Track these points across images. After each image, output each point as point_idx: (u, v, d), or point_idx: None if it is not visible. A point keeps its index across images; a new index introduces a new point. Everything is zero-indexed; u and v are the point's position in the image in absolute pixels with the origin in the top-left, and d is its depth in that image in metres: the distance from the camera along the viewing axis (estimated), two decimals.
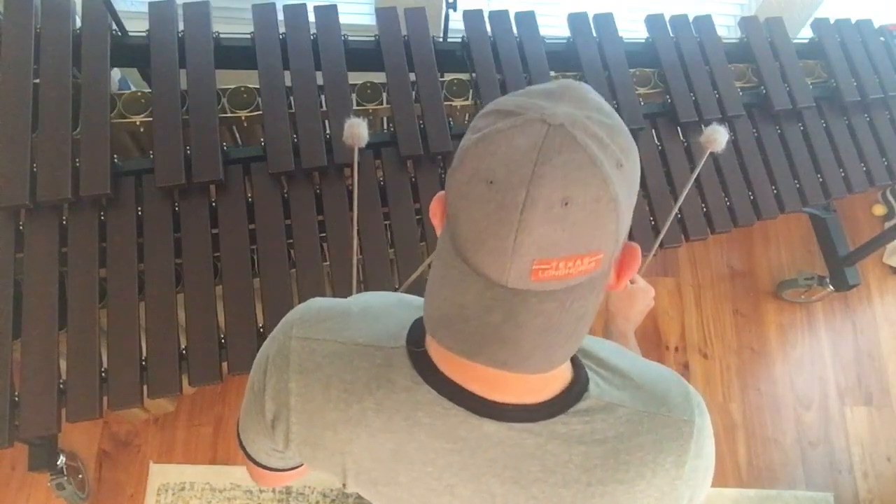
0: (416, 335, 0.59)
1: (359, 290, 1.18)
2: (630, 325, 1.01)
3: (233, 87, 1.30)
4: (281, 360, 0.62)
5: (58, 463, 1.32)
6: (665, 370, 0.67)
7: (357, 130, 0.95)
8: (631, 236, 1.31)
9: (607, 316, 1.03)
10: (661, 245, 1.33)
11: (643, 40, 1.50)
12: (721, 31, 1.53)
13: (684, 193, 1.10)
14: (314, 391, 0.60)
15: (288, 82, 1.27)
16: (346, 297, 0.69)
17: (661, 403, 0.60)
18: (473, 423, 0.56)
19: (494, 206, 0.45)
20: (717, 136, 0.98)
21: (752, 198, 1.41)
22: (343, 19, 1.34)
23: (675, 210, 1.12)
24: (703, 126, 1.41)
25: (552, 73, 1.39)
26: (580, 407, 0.57)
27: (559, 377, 0.57)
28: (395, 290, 1.13)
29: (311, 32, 1.32)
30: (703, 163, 1.05)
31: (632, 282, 1.04)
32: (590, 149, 0.45)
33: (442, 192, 0.54)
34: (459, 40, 1.40)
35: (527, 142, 0.45)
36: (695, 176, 1.09)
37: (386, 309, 0.65)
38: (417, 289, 1.17)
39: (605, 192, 0.45)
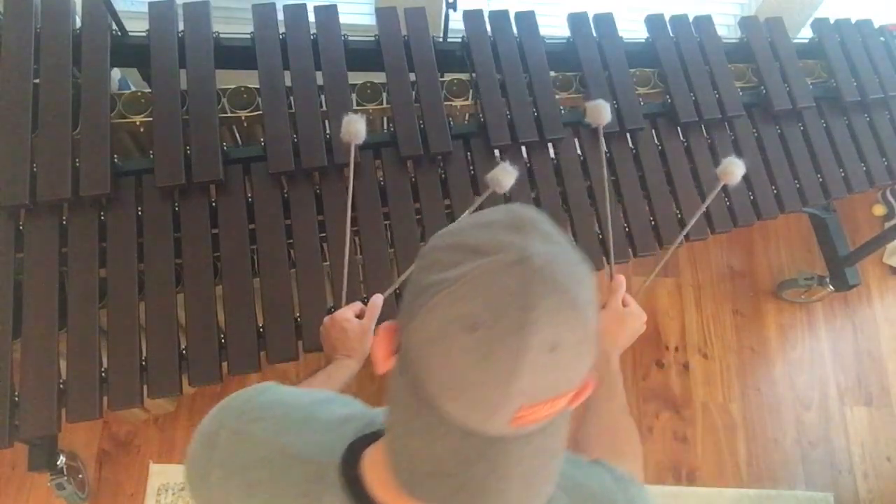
0: (353, 455, 0.55)
1: (358, 290, 1.18)
2: (616, 348, 0.99)
3: (233, 87, 1.30)
4: (209, 447, 0.60)
5: (58, 463, 1.32)
6: (604, 476, 0.65)
7: (354, 127, 0.94)
8: (631, 237, 1.32)
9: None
10: (660, 245, 1.33)
11: (643, 40, 1.49)
12: (721, 31, 1.53)
13: (692, 222, 1.11)
14: (235, 491, 0.58)
15: (288, 82, 1.27)
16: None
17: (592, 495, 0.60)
18: None
19: (481, 356, 0.42)
20: (734, 170, 0.99)
21: (752, 198, 1.41)
22: (343, 19, 1.34)
23: (681, 237, 1.13)
24: (702, 126, 1.43)
25: (552, 73, 1.39)
26: None
27: None
28: (396, 291, 1.13)
29: (311, 32, 1.32)
30: (714, 193, 1.06)
31: (625, 304, 1.02)
32: (571, 289, 0.44)
33: (389, 325, 0.50)
34: (459, 40, 1.40)
35: (511, 284, 0.43)
36: (705, 206, 1.10)
37: (330, 419, 0.60)
38: None
39: (587, 333, 0.45)
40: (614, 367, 0.96)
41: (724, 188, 1.38)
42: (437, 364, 0.44)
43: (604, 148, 1.08)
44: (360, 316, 1.01)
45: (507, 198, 1.20)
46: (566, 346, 0.44)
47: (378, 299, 1.03)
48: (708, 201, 1.09)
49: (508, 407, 0.44)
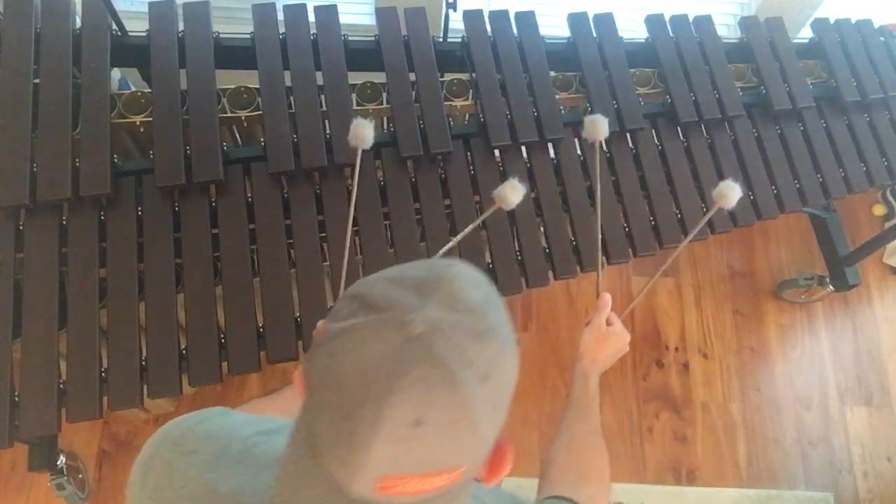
0: None
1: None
2: (596, 368, 0.96)
3: (233, 87, 1.30)
4: (143, 474, 0.59)
5: (58, 463, 1.32)
6: None
7: (362, 132, 0.94)
8: (631, 237, 1.31)
9: (576, 354, 0.99)
10: (660, 245, 1.33)
11: (643, 40, 1.49)
12: (721, 31, 1.53)
13: (690, 237, 1.10)
14: None
15: (288, 82, 1.27)
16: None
17: None
18: None
19: (340, 417, 0.42)
20: (730, 194, 0.98)
21: (752, 198, 1.41)
22: (343, 19, 1.34)
23: (688, 240, 1.12)
24: (702, 126, 1.42)
25: (552, 73, 1.39)
26: None
27: None
28: None
29: (311, 32, 1.32)
30: (710, 214, 1.05)
31: (609, 323, 0.99)
32: (449, 365, 0.41)
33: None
34: (459, 40, 1.40)
35: (382, 349, 0.42)
36: (702, 224, 1.09)
37: (269, 455, 0.58)
38: None
39: (463, 414, 0.42)
40: (592, 388, 0.94)
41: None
42: (314, 412, 0.45)
43: (597, 164, 1.06)
44: None
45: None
46: (434, 425, 0.41)
47: None
48: (702, 223, 1.08)
49: (369, 473, 0.42)
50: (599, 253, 1.17)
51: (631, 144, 1.39)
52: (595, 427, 0.91)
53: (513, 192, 0.94)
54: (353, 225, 1.20)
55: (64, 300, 1.09)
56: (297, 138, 1.22)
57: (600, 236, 1.16)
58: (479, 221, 1.06)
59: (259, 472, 0.56)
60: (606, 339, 0.98)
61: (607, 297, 1.01)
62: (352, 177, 1.06)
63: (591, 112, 1.36)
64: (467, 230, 1.04)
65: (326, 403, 0.43)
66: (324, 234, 1.21)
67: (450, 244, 1.09)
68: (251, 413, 0.70)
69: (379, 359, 0.41)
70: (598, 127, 1.02)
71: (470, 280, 0.47)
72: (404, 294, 0.44)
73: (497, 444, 0.48)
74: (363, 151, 0.96)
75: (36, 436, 1.07)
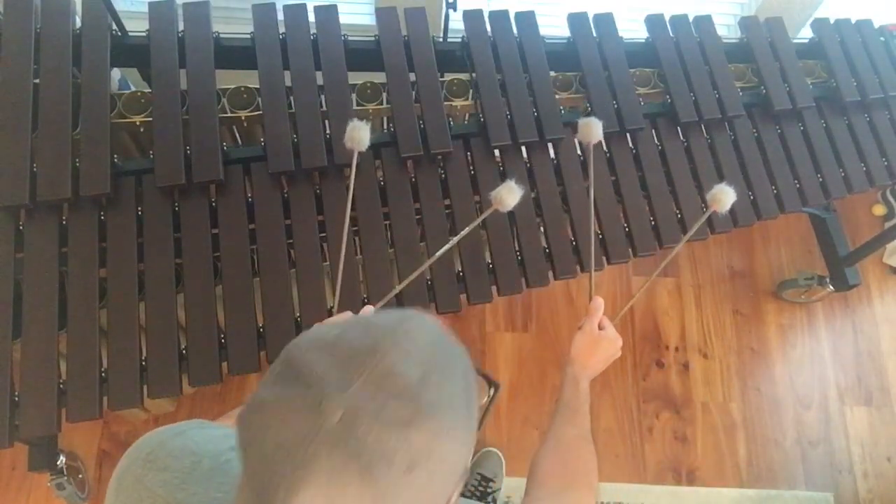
0: None
1: (358, 290, 1.18)
2: (587, 373, 0.96)
3: (233, 87, 1.30)
4: (116, 488, 0.59)
5: (58, 463, 1.32)
6: None
7: (358, 134, 0.93)
8: (631, 237, 1.32)
9: (567, 357, 0.99)
10: (660, 245, 1.33)
11: (643, 40, 1.49)
12: (721, 31, 1.53)
13: (686, 238, 1.09)
14: None
15: (288, 82, 1.27)
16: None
17: None
18: None
19: (262, 488, 0.40)
20: (723, 198, 0.97)
21: (752, 198, 1.41)
22: (343, 19, 1.34)
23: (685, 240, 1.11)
24: (702, 126, 1.42)
25: (552, 73, 1.39)
26: None
27: None
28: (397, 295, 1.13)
29: (311, 32, 1.32)
30: (703, 219, 1.04)
31: (601, 328, 0.98)
32: (364, 457, 0.39)
33: None
34: (459, 40, 1.40)
35: (298, 431, 0.40)
36: (698, 226, 1.08)
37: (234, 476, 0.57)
38: (415, 291, 1.17)
39: None
40: (582, 392, 0.93)
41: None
42: (246, 475, 0.43)
43: (590, 165, 1.06)
44: None
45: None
46: None
47: None
48: (697, 225, 1.07)
49: None
50: (592, 256, 1.17)
51: (631, 144, 1.39)
52: (583, 431, 0.91)
53: (509, 194, 0.93)
54: (353, 225, 1.20)
55: (64, 300, 1.09)
56: (297, 138, 1.22)
57: (593, 238, 1.16)
58: (476, 223, 1.06)
59: (230, 490, 0.55)
60: (598, 344, 0.97)
61: (599, 301, 1.00)
62: (348, 176, 1.06)
63: (591, 112, 1.36)
64: (464, 232, 1.04)
65: (251, 470, 0.42)
66: (324, 234, 1.21)
67: (449, 244, 1.09)
68: (230, 424, 0.69)
69: (294, 442, 0.39)
70: (593, 129, 1.01)
71: (412, 350, 0.44)
72: (331, 368, 0.42)
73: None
74: (361, 152, 0.96)
75: (36, 436, 1.07)
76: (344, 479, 0.39)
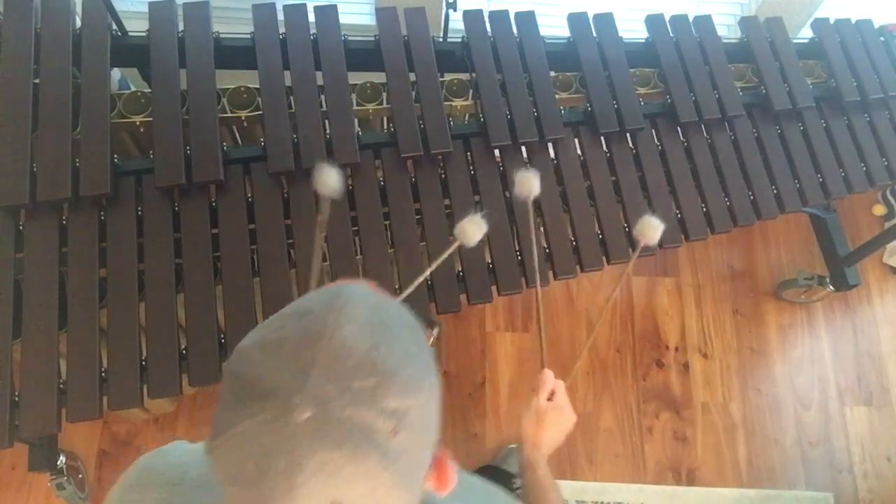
0: None
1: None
2: (542, 452, 0.89)
3: (233, 87, 1.30)
4: None
5: (58, 463, 1.32)
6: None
7: (327, 180, 0.83)
8: (631, 237, 1.31)
9: (518, 440, 0.92)
10: (660, 245, 1.33)
11: (643, 40, 1.49)
12: (721, 31, 1.53)
13: (631, 262, 1.02)
14: None
15: (288, 82, 1.27)
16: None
17: None
18: None
19: None
20: (649, 232, 0.93)
21: (752, 198, 1.41)
22: (343, 19, 1.34)
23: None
24: (702, 126, 1.42)
25: (552, 73, 1.39)
26: None
27: None
28: (396, 290, 1.13)
29: (311, 32, 1.32)
30: (637, 254, 0.99)
31: (549, 398, 0.91)
32: (348, 441, 0.39)
33: None
34: (459, 40, 1.40)
35: (273, 442, 0.39)
36: (630, 266, 1.02)
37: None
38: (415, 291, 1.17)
39: (380, 480, 0.40)
40: (541, 474, 0.88)
41: (722, 181, 1.39)
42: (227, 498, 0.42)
43: (531, 221, 0.97)
44: None
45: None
46: (355, 498, 0.40)
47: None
48: (632, 260, 1.00)
49: None
50: (542, 317, 1.01)
51: (631, 144, 1.39)
52: None
53: (472, 228, 0.86)
54: (353, 224, 1.20)
55: (64, 300, 1.09)
56: (297, 138, 1.22)
57: (537, 266, 1.04)
58: (437, 263, 0.94)
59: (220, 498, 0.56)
60: (545, 421, 0.90)
61: (547, 375, 0.93)
62: (318, 211, 0.94)
63: (591, 112, 1.36)
64: (433, 266, 0.95)
65: (238, 498, 0.41)
66: (324, 234, 1.20)
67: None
68: None
69: (273, 454, 0.39)
70: (531, 183, 0.94)
71: (354, 322, 0.43)
72: (282, 371, 0.41)
73: (434, 460, 0.46)
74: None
75: (36, 436, 1.07)
76: (336, 468, 0.39)
